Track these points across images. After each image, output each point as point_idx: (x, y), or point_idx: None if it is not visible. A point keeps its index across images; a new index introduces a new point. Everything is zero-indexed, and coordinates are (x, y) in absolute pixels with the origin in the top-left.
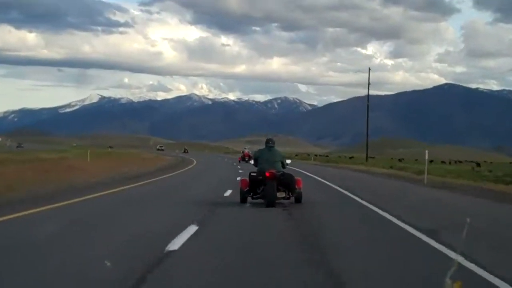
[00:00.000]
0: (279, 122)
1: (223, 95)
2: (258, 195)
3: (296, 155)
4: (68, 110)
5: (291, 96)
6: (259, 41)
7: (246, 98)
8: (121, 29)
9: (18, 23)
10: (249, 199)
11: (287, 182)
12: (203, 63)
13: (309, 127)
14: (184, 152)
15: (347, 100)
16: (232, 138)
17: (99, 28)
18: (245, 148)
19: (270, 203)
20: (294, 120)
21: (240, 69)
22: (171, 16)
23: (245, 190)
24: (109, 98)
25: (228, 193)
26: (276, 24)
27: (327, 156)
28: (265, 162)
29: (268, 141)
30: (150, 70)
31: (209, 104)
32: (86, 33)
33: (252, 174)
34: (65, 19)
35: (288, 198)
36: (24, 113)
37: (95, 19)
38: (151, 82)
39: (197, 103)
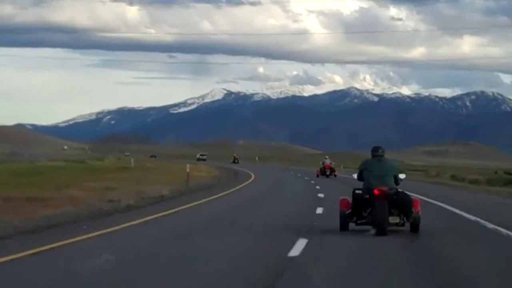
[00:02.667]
0: (472, 126)
1: (394, 89)
2: (363, 220)
3: (496, 172)
4: (182, 110)
5: (490, 90)
6: (443, 12)
7: (426, 93)
8: None
9: None
10: (351, 225)
11: (401, 203)
12: (365, 45)
13: None
14: (234, 162)
15: None
16: (406, 148)
17: None
18: (326, 159)
19: (381, 230)
20: (492, 124)
21: (418, 53)
22: None
23: (347, 213)
24: (237, 94)
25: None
26: None
27: None
28: (373, 177)
29: (376, 149)
30: (294, 56)
31: (374, 102)
32: (205, 4)
33: (356, 191)
34: None
35: (403, 225)
36: (124, 114)
37: None
38: (295, 73)
39: (357, 100)
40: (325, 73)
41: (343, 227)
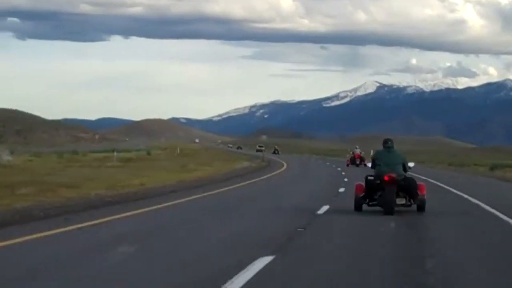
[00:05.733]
0: None
1: None
2: (375, 202)
3: None
4: (335, 103)
5: None
6: None
7: None
8: None
9: None
10: (364, 206)
11: (408, 187)
12: None
13: None
14: (274, 152)
15: None
16: None
17: None
18: (356, 148)
19: (389, 210)
20: None
21: None
22: None
23: (361, 196)
24: (390, 86)
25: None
26: None
27: None
28: (384, 165)
29: (386, 141)
30: (448, 47)
31: None
32: None
33: (369, 177)
34: None
35: (409, 206)
36: (277, 107)
37: None
38: (448, 64)
39: None
40: (479, 64)
41: (358, 208)
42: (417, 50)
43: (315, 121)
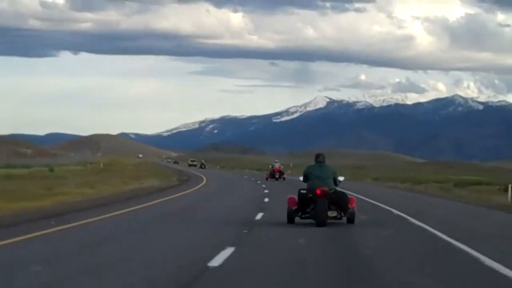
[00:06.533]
0: None
1: (500, 97)
2: (307, 215)
3: None
4: (285, 118)
5: None
6: None
7: None
8: (357, 5)
9: (218, 0)
10: (297, 219)
11: (339, 201)
12: (470, 52)
13: None
14: (201, 167)
15: None
16: None
17: (327, 4)
18: (276, 162)
19: (321, 222)
20: None
21: None
22: None
23: (293, 209)
24: (340, 102)
25: None
26: None
27: None
28: (316, 179)
29: (318, 156)
30: (396, 63)
31: (479, 110)
32: (310, 11)
33: (301, 191)
34: None
35: (340, 218)
36: (227, 122)
37: None
38: (397, 80)
39: (462, 109)
40: (428, 80)
41: (290, 220)
42: (366, 66)
43: (265, 136)
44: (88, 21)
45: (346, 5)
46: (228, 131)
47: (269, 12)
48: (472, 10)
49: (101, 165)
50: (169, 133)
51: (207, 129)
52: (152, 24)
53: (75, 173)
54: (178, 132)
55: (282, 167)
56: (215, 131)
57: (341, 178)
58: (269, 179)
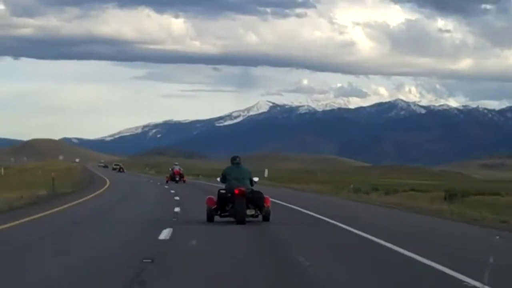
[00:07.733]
0: None
1: (441, 101)
2: (226, 213)
3: None
4: (228, 122)
5: None
6: (492, 24)
7: (474, 106)
8: (298, 10)
9: (159, 5)
10: (216, 217)
11: (256, 200)
12: (411, 57)
13: None
14: (119, 171)
15: None
16: (458, 161)
17: (268, 9)
18: (176, 165)
19: (241, 220)
20: None
21: (465, 64)
22: None
23: (213, 208)
24: (283, 106)
25: None
26: None
27: None
28: (233, 180)
29: (234, 158)
30: (338, 68)
31: (421, 114)
32: (251, 17)
33: (221, 191)
34: None
35: (257, 216)
36: (170, 127)
37: None
38: (340, 85)
39: (404, 112)
40: (370, 85)
41: (210, 219)
42: (308, 71)
43: (208, 140)
44: (28, 26)
45: (287, 11)
46: (172, 136)
47: (210, 17)
48: (413, 16)
49: (1, 172)
50: (112, 137)
51: (150, 133)
52: (93, 30)
53: None
54: (121, 136)
55: (182, 169)
56: (158, 136)
57: (255, 179)
58: (169, 182)
